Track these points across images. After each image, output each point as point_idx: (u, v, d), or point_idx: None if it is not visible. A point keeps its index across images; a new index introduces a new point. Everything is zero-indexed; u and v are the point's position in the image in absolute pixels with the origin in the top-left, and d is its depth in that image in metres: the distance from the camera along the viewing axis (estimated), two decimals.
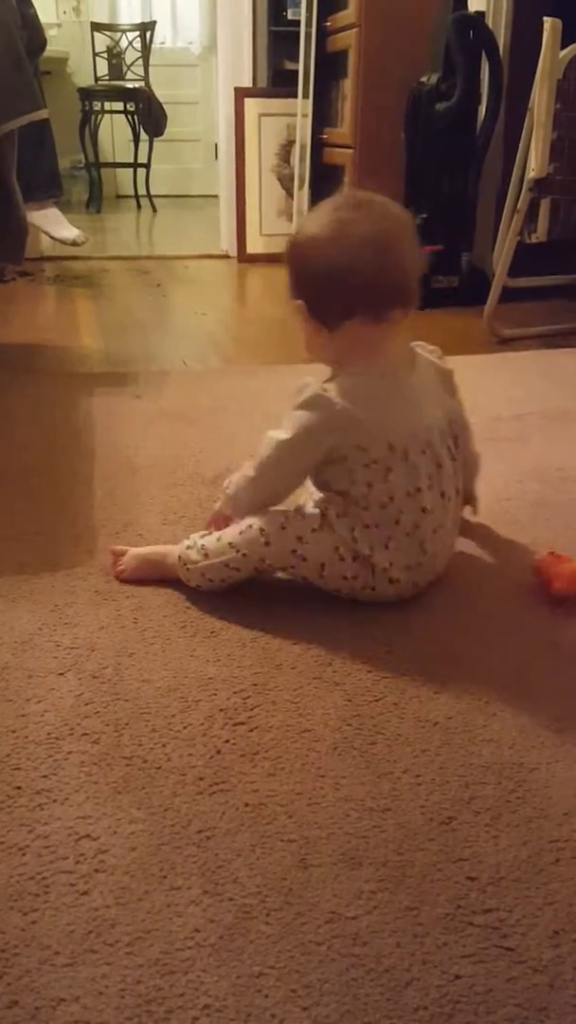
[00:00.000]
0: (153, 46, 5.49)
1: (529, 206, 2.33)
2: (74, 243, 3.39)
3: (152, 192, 5.69)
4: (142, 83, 5.39)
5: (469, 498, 1.19)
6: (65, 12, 5.90)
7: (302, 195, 3.50)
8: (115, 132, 5.91)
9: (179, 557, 1.09)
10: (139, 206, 5.73)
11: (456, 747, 0.84)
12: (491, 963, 0.62)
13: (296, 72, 3.46)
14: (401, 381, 1.03)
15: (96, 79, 5.48)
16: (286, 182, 3.69)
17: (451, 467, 1.05)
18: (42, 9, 2.61)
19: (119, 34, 5.55)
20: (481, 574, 1.17)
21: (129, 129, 5.62)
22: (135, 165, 5.65)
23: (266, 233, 3.74)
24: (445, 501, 1.04)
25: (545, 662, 0.98)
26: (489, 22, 2.81)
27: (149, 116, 5.38)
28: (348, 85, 3.09)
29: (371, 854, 0.72)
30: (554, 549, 1.16)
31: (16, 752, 0.83)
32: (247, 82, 3.66)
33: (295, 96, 3.48)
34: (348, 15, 3.04)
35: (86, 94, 5.29)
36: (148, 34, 5.40)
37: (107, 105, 5.38)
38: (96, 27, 5.52)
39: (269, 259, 3.72)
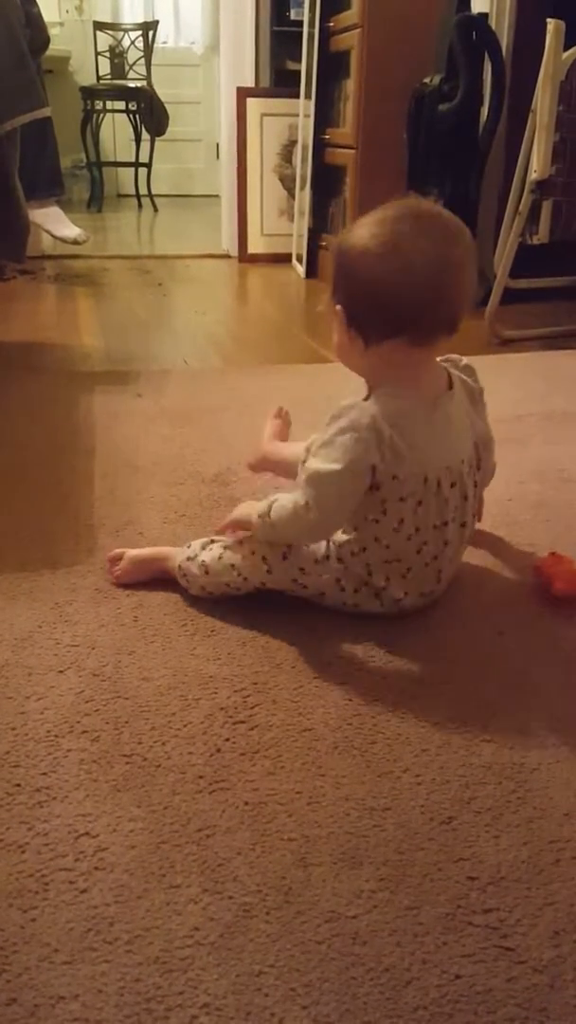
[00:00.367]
0: (155, 45, 5.49)
1: (531, 208, 2.33)
2: (75, 242, 3.39)
3: (153, 191, 5.69)
4: (144, 82, 5.39)
5: (477, 505, 1.18)
6: (68, 11, 5.90)
7: (303, 195, 3.50)
8: (117, 131, 5.91)
9: (179, 567, 1.08)
10: (140, 205, 5.73)
11: (456, 747, 0.84)
12: (491, 963, 0.62)
13: (298, 72, 3.47)
14: (439, 409, 0.97)
15: (98, 78, 5.48)
16: (288, 182, 3.69)
17: (473, 496, 1.03)
18: (45, 8, 2.61)
19: (121, 33, 5.55)
20: (482, 575, 1.16)
21: (131, 128, 5.62)
22: (136, 164, 5.65)
23: (267, 233, 3.74)
24: (464, 530, 1.03)
25: (546, 662, 0.98)
26: (492, 24, 2.81)
27: (151, 115, 5.38)
28: (350, 86, 3.09)
29: (371, 853, 0.71)
30: (555, 550, 1.16)
31: (16, 749, 0.83)
32: (249, 82, 3.66)
33: (297, 96, 3.48)
34: (351, 16, 3.04)
35: (88, 93, 5.29)
36: (150, 33, 5.40)
37: (109, 104, 5.38)
38: (98, 26, 5.53)
39: (270, 259, 3.72)
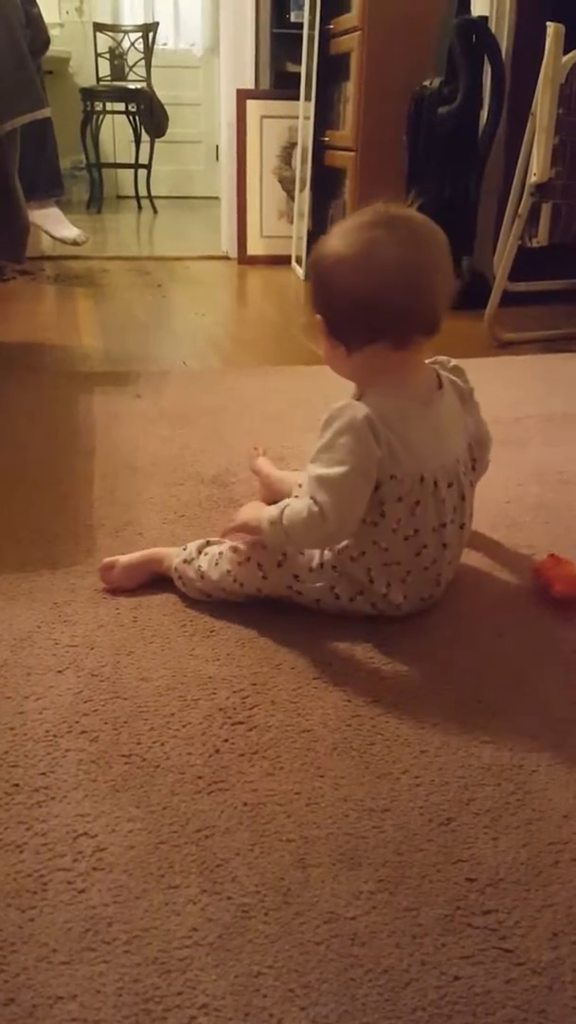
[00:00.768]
0: (155, 47, 5.49)
1: (530, 210, 2.33)
2: (75, 243, 3.39)
3: (153, 193, 5.69)
4: (144, 84, 5.39)
5: None
6: (68, 12, 5.91)
7: (303, 197, 3.50)
8: (116, 133, 5.91)
9: (175, 569, 1.08)
10: (140, 207, 5.73)
11: (455, 748, 0.84)
12: (490, 964, 0.62)
13: (298, 74, 3.47)
14: (430, 409, 0.98)
15: (98, 79, 5.49)
16: (287, 184, 3.69)
17: (471, 496, 1.03)
18: (45, 9, 2.61)
19: (121, 35, 5.56)
20: (481, 577, 1.16)
21: (130, 130, 5.63)
22: (136, 166, 5.65)
23: (267, 235, 3.75)
24: (462, 532, 1.03)
25: (545, 664, 0.98)
26: (492, 27, 2.82)
27: (151, 117, 5.38)
28: (350, 88, 3.09)
29: (370, 854, 0.71)
30: (554, 552, 1.16)
31: (14, 749, 0.83)
32: (249, 84, 3.67)
33: (297, 98, 3.48)
34: (351, 18, 3.04)
35: (88, 94, 5.29)
36: (150, 35, 5.40)
37: (109, 106, 5.38)
38: (99, 27, 5.53)
39: (269, 261, 3.72)
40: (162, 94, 5.45)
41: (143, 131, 5.52)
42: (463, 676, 0.95)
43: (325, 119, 3.36)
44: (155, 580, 1.12)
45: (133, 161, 5.65)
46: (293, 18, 3.71)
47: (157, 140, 5.53)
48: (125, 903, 0.67)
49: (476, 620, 1.06)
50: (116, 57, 5.51)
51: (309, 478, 0.94)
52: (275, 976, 0.61)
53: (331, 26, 3.22)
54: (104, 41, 5.50)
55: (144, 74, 5.41)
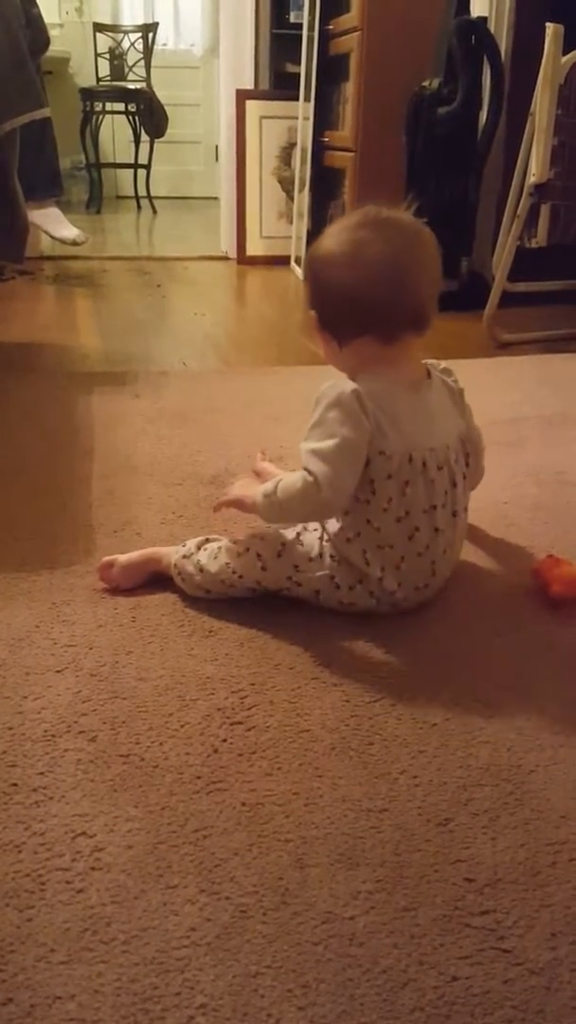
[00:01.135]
0: (155, 48, 5.49)
1: (529, 211, 2.33)
2: (74, 243, 3.39)
3: (152, 193, 5.69)
4: (144, 84, 5.39)
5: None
6: (68, 12, 5.91)
7: (302, 198, 3.50)
8: (116, 133, 5.91)
9: (174, 565, 1.09)
10: (139, 207, 5.74)
11: (454, 748, 0.84)
12: (488, 965, 0.62)
13: (298, 75, 3.47)
14: (419, 394, 1.01)
15: (98, 80, 5.49)
16: (287, 185, 3.69)
17: (463, 485, 1.04)
18: (45, 9, 2.60)
19: (121, 35, 5.56)
20: (480, 577, 1.17)
21: (130, 130, 5.63)
22: (136, 166, 5.65)
23: (266, 235, 3.75)
24: (456, 521, 1.04)
25: (543, 664, 0.98)
26: (491, 27, 2.82)
27: (150, 117, 5.38)
28: (350, 88, 3.09)
29: (368, 855, 0.71)
30: (552, 552, 1.16)
31: (13, 749, 0.83)
32: (249, 84, 3.67)
33: (296, 99, 3.48)
34: (350, 19, 3.04)
35: (88, 94, 5.29)
36: (150, 35, 5.40)
37: (108, 106, 5.38)
38: (98, 28, 5.53)
39: (269, 261, 3.72)
40: (162, 94, 5.45)
41: (143, 131, 5.52)
42: (461, 676, 0.95)
43: (324, 120, 3.37)
44: (154, 580, 1.12)
45: (132, 161, 5.65)
46: (292, 19, 3.71)
47: (156, 140, 5.53)
48: (123, 903, 0.67)
49: (474, 620, 1.06)
50: (116, 57, 5.52)
51: (302, 453, 0.97)
52: (273, 976, 0.61)
53: (330, 27, 3.22)
54: (104, 41, 5.51)
55: (144, 74, 5.41)
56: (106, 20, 5.81)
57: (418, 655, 0.99)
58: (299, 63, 3.46)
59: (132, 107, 5.45)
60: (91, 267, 3.62)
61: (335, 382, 0.98)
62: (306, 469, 0.95)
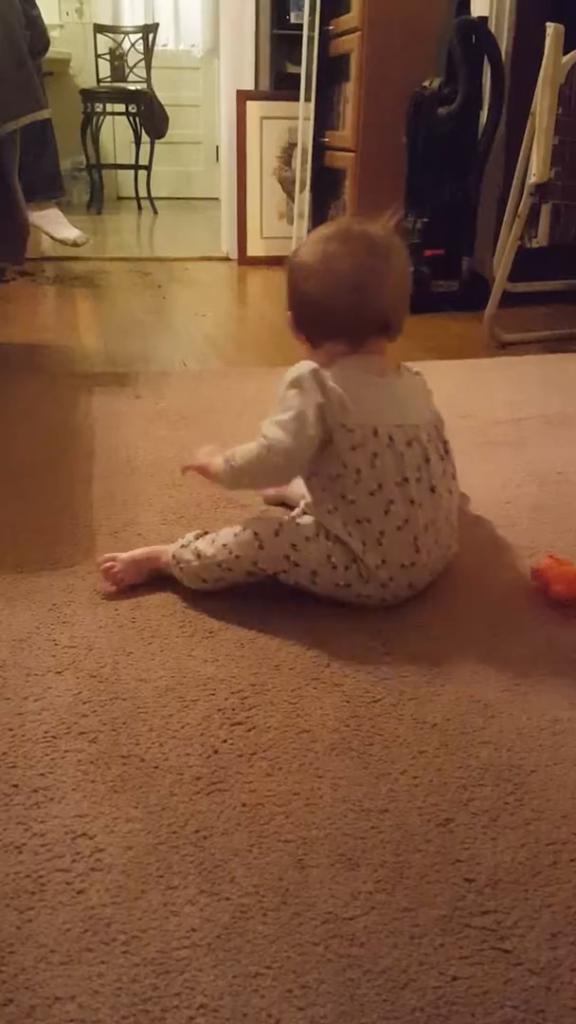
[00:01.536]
0: (155, 48, 5.50)
1: (530, 211, 2.33)
2: (75, 244, 3.39)
3: (153, 194, 5.69)
4: (144, 85, 5.39)
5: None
6: (68, 13, 5.91)
7: (303, 198, 3.50)
8: (117, 134, 5.91)
9: (173, 556, 1.09)
10: (140, 208, 5.74)
11: (454, 749, 0.84)
12: (488, 965, 0.62)
13: (298, 75, 3.47)
14: (385, 379, 1.07)
15: (98, 81, 5.49)
16: (287, 185, 3.69)
17: (441, 465, 1.06)
18: (45, 10, 2.61)
19: (122, 36, 5.56)
20: (480, 577, 1.16)
21: (131, 131, 5.63)
22: (136, 167, 5.66)
23: (267, 236, 3.75)
24: (436, 497, 1.05)
25: (543, 665, 0.98)
26: (492, 27, 2.82)
27: (151, 118, 5.38)
28: (350, 89, 3.09)
29: (368, 855, 0.71)
30: (553, 552, 1.16)
31: (13, 750, 0.83)
32: (249, 85, 3.67)
33: (297, 99, 3.48)
34: (351, 19, 3.04)
35: (88, 95, 5.29)
36: (150, 36, 5.41)
37: (109, 107, 5.38)
38: (99, 29, 5.53)
39: (269, 261, 3.72)
40: (162, 95, 5.45)
41: (143, 132, 5.52)
42: (461, 677, 0.95)
43: (325, 120, 3.37)
44: (154, 580, 1.12)
45: (133, 162, 5.66)
46: (293, 19, 3.71)
47: (157, 141, 5.53)
48: (124, 904, 0.67)
49: (475, 621, 1.06)
50: (116, 58, 5.52)
51: (262, 427, 1.05)
52: (273, 977, 0.61)
53: (331, 27, 3.22)
54: (104, 42, 5.51)
55: (144, 75, 5.42)
56: (106, 21, 5.81)
57: (418, 655, 0.99)
58: (299, 63, 3.46)
59: (133, 108, 5.45)
60: (92, 268, 3.62)
61: (297, 365, 1.05)
62: (263, 436, 1.04)
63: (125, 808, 0.76)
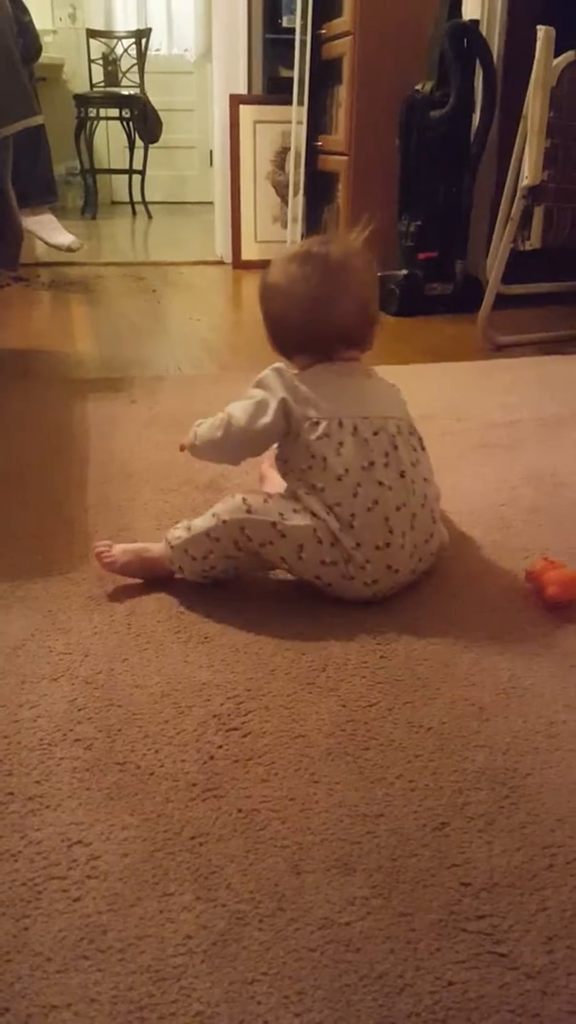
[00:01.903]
0: (148, 53, 5.50)
1: (523, 213, 2.33)
2: (69, 249, 3.40)
3: (147, 199, 5.70)
4: (137, 90, 5.40)
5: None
6: (61, 19, 5.92)
7: (297, 202, 3.51)
8: (110, 138, 5.92)
9: (166, 538, 1.12)
10: (134, 212, 5.74)
11: (449, 753, 0.84)
12: (484, 969, 0.62)
13: (291, 79, 3.48)
14: (352, 379, 1.12)
15: (92, 86, 5.50)
16: (281, 189, 3.70)
17: (413, 455, 1.09)
18: (38, 16, 2.62)
19: (115, 41, 5.57)
20: (474, 579, 1.17)
21: (124, 136, 5.64)
22: (130, 171, 5.66)
23: (261, 240, 3.75)
24: (407, 482, 1.07)
25: (538, 667, 0.98)
26: (483, 31, 2.83)
27: (144, 123, 5.39)
28: (343, 92, 3.10)
29: (364, 860, 0.71)
30: (547, 555, 1.16)
31: (8, 758, 0.83)
32: (242, 89, 3.68)
33: (290, 103, 3.49)
34: (343, 23, 3.05)
35: (82, 100, 5.30)
36: (144, 41, 5.42)
37: (102, 112, 5.39)
38: (92, 34, 5.54)
39: (264, 266, 3.71)
40: (155, 100, 5.46)
41: (137, 137, 5.53)
42: (457, 680, 0.95)
43: (318, 124, 3.37)
44: (149, 585, 1.12)
45: (127, 167, 5.67)
46: (285, 23, 3.72)
47: (151, 146, 5.54)
48: (119, 911, 0.67)
49: (469, 623, 1.06)
50: (109, 63, 5.53)
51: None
52: (269, 983, 0.61)
53: (323, 31, 3.23)
54: (97, 47, 5.51)
55: (137, 80, 5.43)
56: (99, 26, 5.82)
57: (413, 659, 0.99)
58: (292, 67, 3.47)
59: (126, 113, 5.46)
60: (86, 273, 3.62)
61: (266, 369, 1.12)
62: (226, 411, 1.12)
63: (121, 815, 0.76)
